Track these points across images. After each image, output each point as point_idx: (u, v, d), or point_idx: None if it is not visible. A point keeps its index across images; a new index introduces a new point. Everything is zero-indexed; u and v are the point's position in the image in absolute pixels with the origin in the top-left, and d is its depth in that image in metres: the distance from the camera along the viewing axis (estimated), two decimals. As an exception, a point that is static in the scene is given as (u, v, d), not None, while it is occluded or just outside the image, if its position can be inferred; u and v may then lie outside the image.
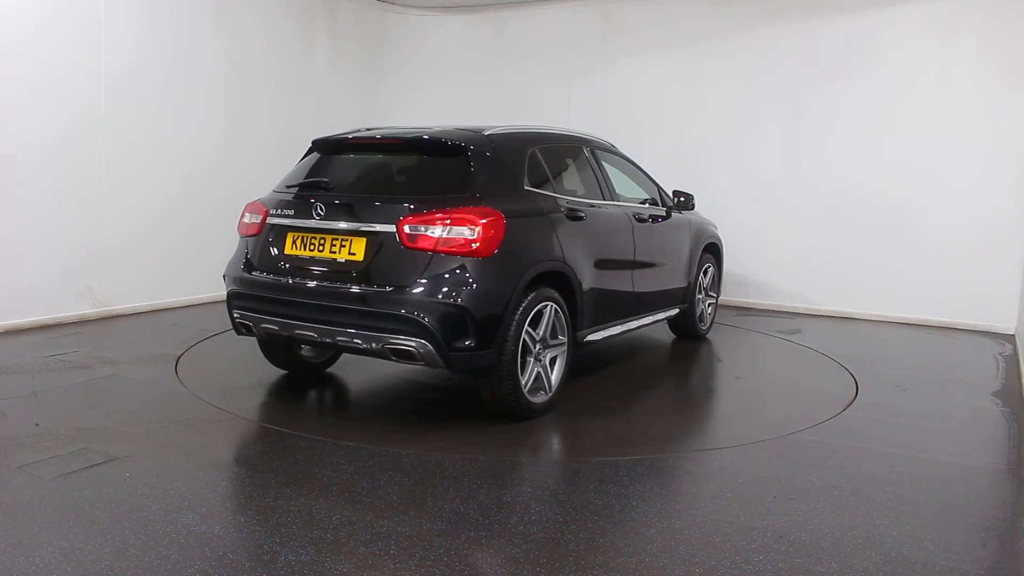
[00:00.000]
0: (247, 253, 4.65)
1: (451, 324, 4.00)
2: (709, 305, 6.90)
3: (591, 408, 4.81)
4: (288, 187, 4.68)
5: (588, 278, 4.82)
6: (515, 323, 4.19)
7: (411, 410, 4.72)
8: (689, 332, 6.71)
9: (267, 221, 4.57)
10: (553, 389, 4.54)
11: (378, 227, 4.16)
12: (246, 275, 4.57)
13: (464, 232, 4.05)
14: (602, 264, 5.04)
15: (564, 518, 3.18)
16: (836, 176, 8.01)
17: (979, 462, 4.04)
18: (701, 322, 6.75)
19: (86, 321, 6.63)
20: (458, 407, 4.67)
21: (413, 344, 4.02)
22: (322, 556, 2.81)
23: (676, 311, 6.32)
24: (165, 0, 7.11)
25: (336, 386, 5.27)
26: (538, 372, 4.43)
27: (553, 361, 4.58)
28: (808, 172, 8.14)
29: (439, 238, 4.04)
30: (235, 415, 4.46)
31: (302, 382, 5.24)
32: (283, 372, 5.34)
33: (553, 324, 4.51)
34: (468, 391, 4.95)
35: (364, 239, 4.19)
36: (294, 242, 4.43)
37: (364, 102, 9.50)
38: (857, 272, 7.96)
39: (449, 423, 4.40)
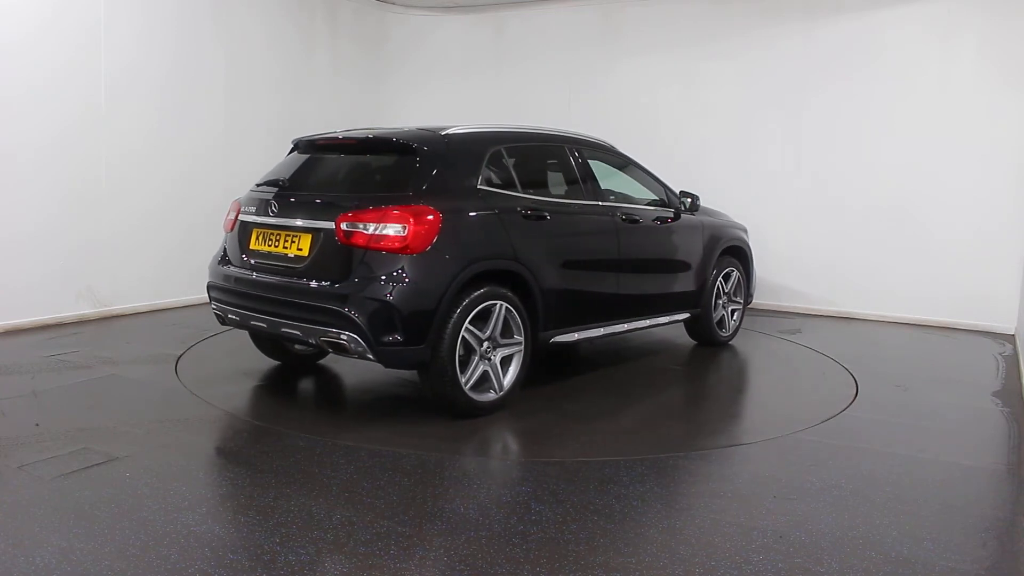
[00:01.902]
0: (225, 247, 4.96)
1: (378, 319, 4.08)
2: (733, 311, 6.59)
3: (589, 407, 4.81)
4: (257, 185, 4.90)
5: (553, 278, 4.79)
6: (452, 320, 4.22)
7: (411, 409, 4.71)
8: (707, 338, 6.44)
9: (239, 218, 4.82)
10: (505, 388, 4.53)
11: (320, 224, 4.31)
12: (221, 268, 4.86)
13: (395, 229, 4.13)
14: (574, 265, 4.98)
15: (564, 518, 3.18)
16: (836, 176, 8.01)
17: (979, 462, 4.04)
18: (721, 328, 6.48)
19: (86, 321, 6.63)
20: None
21: (344, 338, 4.14)
22: (322, 556, 2.81)
23: (686, 316, 6.14)
24: (165, 0, 7.12)
25: (335, 385, 5.27)
26: (485, 370, 4.44)
27: (508, 360, 4.57)
28: (808, 172, 8.14)
29: (372, 235, 4.15)
30: (235, 415, 4.47)
31: (302, 382, 5.25)
32: (285, 374, 5.36)
33: (507, 323, 4.51)
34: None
35: (309, 235, 4.36)
36: (257, 238, 4.65)
37: (364, 102, 9.50)
38: (857, 272, 7.96)
39: (450, 423, 4.40)
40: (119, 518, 3.05)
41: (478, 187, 4.57)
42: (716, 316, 6.38)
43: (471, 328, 4.32)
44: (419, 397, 4.97)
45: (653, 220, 5.78)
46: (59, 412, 4.32)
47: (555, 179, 5.37)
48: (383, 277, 4.12)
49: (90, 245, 6.69)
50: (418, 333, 4.14)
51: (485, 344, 4.42)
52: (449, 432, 4.28)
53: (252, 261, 4.64)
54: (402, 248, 4.12)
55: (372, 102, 9.61)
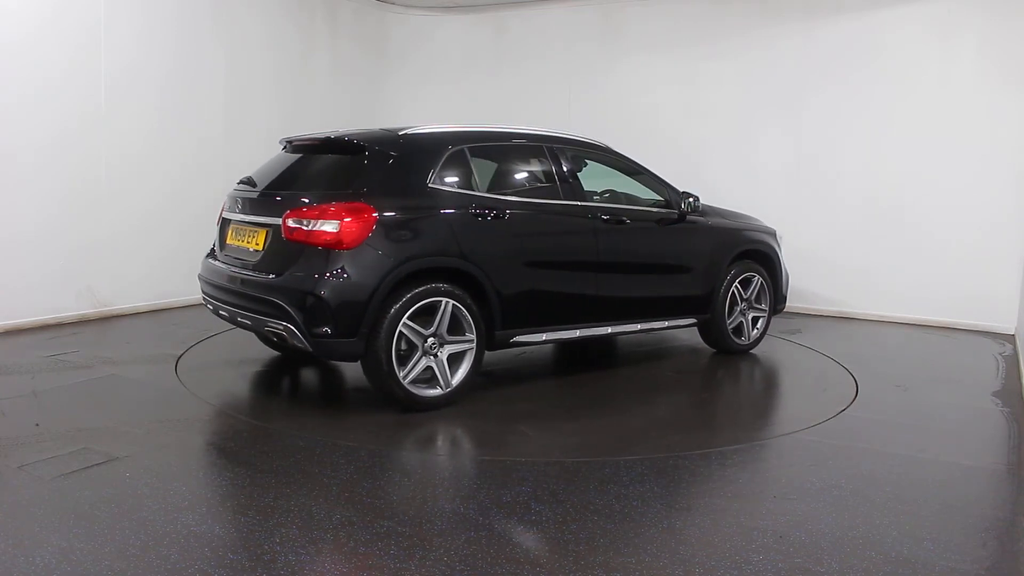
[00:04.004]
0: (214, 241, 5.25)
1: (309, 311, 4.25)
2: (756, 319, 6.26)
3: (591, 407, 4.82)
4: (238, 183, 5.15)
5: (512, 278, 4.79)
6: (389, 315, 4.31)
7: (411, 411, 4.72)
8: (723, 345, 6.15)
9: (222, 214, 5.16)
10: (452, 385, 4.57)
11: (272, 220, 4.54)
12: (207, 261, 5.15)
13: (329, 226, 4.29)
14: (538, 264, 4.94)
15: (564, 518, 3.18)
16: (836, 176, 8.01)
17: (979, 462, 4.04)
18: (739, 336, 6.17)
19: (86, 321, 6.63)
20: (457, 406, 4.66)
21: (282, 328, 4.34)
22: (322, 556, 2.81)
23: (691, 321, 5.91)
24: (165, 0, 7.12)
25: (336, 385, 5.27)
26: (429, 366, 4.49)
27: (460, 357, 4.62)
28: (808, 172, 8.14)
29: (310, 231, 4.32)
30: (235, 415, 4.47)
31: (302, 381, 5.25)
32: (285, 373, 5.37)
33: (458, 321, 4.56)
34: (465, 391, 4.95)
35: (264, 231, 4.60)
36: (231, 233, 4.95)
37: (364, 102, 9.50)
38: (857, 272, 7.96)
39: (450, 423, 4.40)
40: (119, 518, 3.05)
41: (429, 186, 4.64)
42: (732, 323, 6.10)
43: (410, 323, 4.39)
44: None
45: (652, 221, 5.66)
46: (59, 412, 4.32)
47: (524, 179, 5.35)
48: (316, 271, 4.27)
49: (90, 245, 6.69)
50: (349, 326, 4.25)
51: (430, 340, 4.48)
52: (450, 433, 4.29)
53: (227, 255, 4.92)
54: (335, 243, 4.27)
55: (372, 102, 9.61)
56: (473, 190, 4.82)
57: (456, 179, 4.79)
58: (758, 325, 6.32)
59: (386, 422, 4.40)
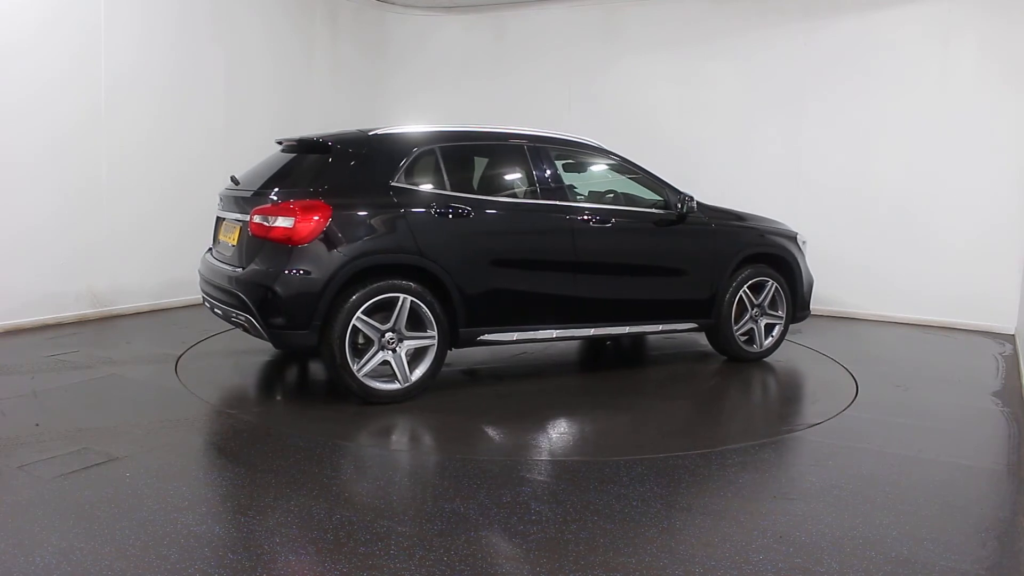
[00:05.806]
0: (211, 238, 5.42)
1: (263, 302, 4.45)
2: (770, 326, 5.98)
3: (590, 407, 4.82)
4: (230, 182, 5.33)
5: (476, 276, 4.81)
6: (343, 309, 4.43)
7: (412, 411, 4.72)
8: (732, 353, 5.91)
9: (216, 211, 5.32)
10: (411, 380, 4.64)
11: (243, 217, 4.72)
12: (204, 256, 5.33)
13: (286, 222, 4.45)
14: (506, 263, 4.93)
15: (564, 518, 3.18)
16: (836, 176, 8.01)
17: (979, 462, 4.04)
18: (751, 344, 5.93)
19: (86, 321, 6.63)
20: (454, 407, 4.67)
21: (244, 319, 4.58)
22: (322, 556, 2.81)
23: (691, 325, 5.71)
24: (165, 3, 7.11)
25: (336, 385, 5.26)
26: (386, 360, 4.56)
27: (422, 353, 4.69)
28: (808, 172, 8.14)
29: (269, 227, 4.50)
30: (235, 415, 4.47)
31: (302, 382, 5.25)
32: (285, 373, 5.36)
33: (420, 317, 4.62)
34: (463, 392, 4.96)
35: (238, 228, 4.79)
36: (221, 229, 5.14)
37: (364, 102, 9.50)
38: (857, 272, 7.96)
39: (450, 423, 4.40)
40: (119, 518, 3.05)
41: (393, 184, 4.72)
42: (741, 329, 5.85)
43: (364, 318, 4.49)
44: (420, 399, 4.97)
45: (644, 222, 5.52)
46: (59, 412, 4.32)
47: (498, 178, 5.36)
48: (272, 265, 4.46)
49: (90, 245, 6.69)
50: (302, 318, 4.42)
51: (388, 335, 4.56)
52: (449, 433, 4.29)
53: (216, 251, 5.14)
54: (290, 239, 4.43)
55: (372, 102, 9.61)
56: (441, 189, 4.87)
57: (423, 178, 4.88)
58: (773, 333, 6.01)
59: (387, 423, 4.40)
